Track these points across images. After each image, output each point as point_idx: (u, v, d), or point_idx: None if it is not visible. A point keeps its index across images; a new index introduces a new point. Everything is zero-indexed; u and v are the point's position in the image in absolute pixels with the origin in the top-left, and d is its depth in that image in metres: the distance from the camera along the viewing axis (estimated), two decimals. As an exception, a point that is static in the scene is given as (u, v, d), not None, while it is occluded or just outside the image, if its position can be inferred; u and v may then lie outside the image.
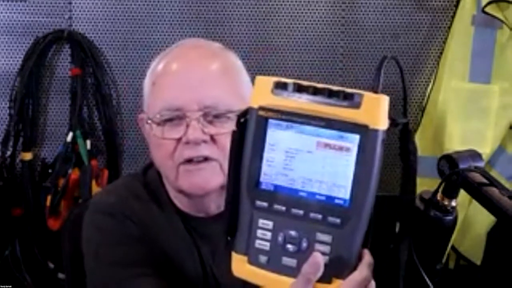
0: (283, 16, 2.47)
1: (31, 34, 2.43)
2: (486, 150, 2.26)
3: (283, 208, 0.89)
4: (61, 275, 2.41)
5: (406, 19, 2.48)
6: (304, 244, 0.88)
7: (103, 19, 2.45)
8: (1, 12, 2.43)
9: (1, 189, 2.41)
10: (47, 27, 2.44)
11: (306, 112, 0.87)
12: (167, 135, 1.23)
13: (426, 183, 2.30)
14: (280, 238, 0.89)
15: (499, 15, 2.24)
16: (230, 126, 1.20)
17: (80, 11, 2.44)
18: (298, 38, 2.47)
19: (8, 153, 2.42)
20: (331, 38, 2.48)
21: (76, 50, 2.42)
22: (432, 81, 2.42)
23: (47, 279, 2.44)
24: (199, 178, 1.23)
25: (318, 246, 0.87)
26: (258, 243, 0.90)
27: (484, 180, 1.01)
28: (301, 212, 0.88)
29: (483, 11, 2.22)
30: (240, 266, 0.92)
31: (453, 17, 2.39)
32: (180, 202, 1.31)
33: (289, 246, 0.88)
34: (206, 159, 1.22)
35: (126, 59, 2.47)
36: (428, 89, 2.43)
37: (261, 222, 0.90)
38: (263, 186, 0.90)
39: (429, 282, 0.99)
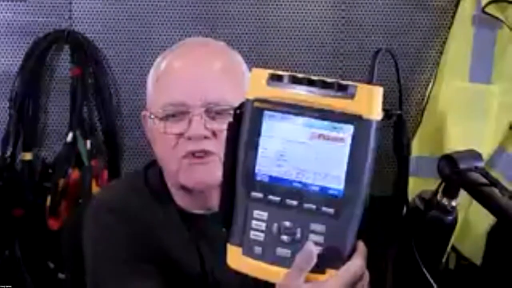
0: (283, 16, 2.47)
1: (31, 34, 2.43)
2: (486, 150, 2.25)
3: (278, 199, 0.89)
4: (61, 275, 2.41)
5: (406, 19, 2.48)
6: (298, 235, 0.88)
7: (103, 19, 2.45)
8: (1, 12, 2.43)
9: (1, 189, 2.41)
10: (47, 27, 2.44)
11: (300, 103, 0.88)
12: (170, 130, 1.25)
13: (426, 183, 2.31)
14: (274, 229, 0.89)
15: (499, 15, 2.24)
16: None
17: (80, 11, 2.44)
18: (298, 38, 2.47)
19: (8, 153, 2.42)
20: (331, 38, 2.48)
21: (76, 50, 2.42)
22: (432, 81, 2.42)
23: (47, 279, 2.44)
24: (200, 173, 1.24)
25: (312, 237, 0.88)
26: (253, 234, 0.91)
27: (484, 180, 1.01)
28: (295, 202, 0.89)
29: (483, 11, 2.22)
30: (235, 257, 0.93)
31: (453, 17, 2.39)
32: (181, 199, 1.32)
33: (284, 237, 0.89)
34: (208, 153, 1.23)
35: (126, 59, 2.47)
36: (428, 89, 2.43)
37: (256, 213, 0.90)
38: (258, 177, 0.90)
39: (433, 283, 0.99)
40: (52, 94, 2.48)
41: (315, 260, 0.87)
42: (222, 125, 1.22)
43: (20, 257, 2.42)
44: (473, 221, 2.32)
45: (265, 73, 0.91)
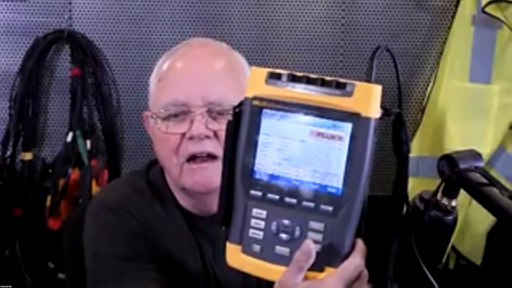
0: (283, 16, 2.47)
1: (31, 34, 2.43)
2: (486, 150, 2.25)
3: (277, 197, 0.89)
4: (61, 275, 2.41)
5: (406, 19, 2.48)
6: (297, 233, 0.88)
7: (103, 19, 2.45)
8: (1, 12, 2.43)
9: (1, 189, 2.41)
10: (47, 27, 2.44)
11: (299, 101, 0.88)
12: (172, 130, 1.25)
13: (426, 183, 2.31)
14: (273, 227, 0.89)
15: (499, 15, 2.24)
16: None
17: (80, 11, 2.44)
18: (298, 38, 2.47)
19: (8, 153, 2.42)
20: (331, 38, 2.48)
21: (76, 50, 2.42)
22: (432, 81, 2.42)
23: (47, 279, 2.44)
24: (202, 177, 1.24)
25: (311, 235, 0.88)
26: (252, 232, 0.91)
27: (484, 180, 1.01)
28: (294, 201, 0.89)
29: (483, 11, 2.22)
30: (234, 255, 0.92)
31: (453, 17, 2.39)
32: (182, 199, 1.32)
33: (282, 235, 0.89)
34: (210, 157, 1.23)
35: (126, 59, 2.47)
36: (428, 89, 2.43)
37: (255, 211, 0.90)
38: (257, 176, 0.91)
39: (434, 283, 0.99)
40: (52, 94, 2.48)
41: (314, 257, 0.87)
42: (223, 125, 1.22)
43: (20, 257, 2.42)
44: (473, 221, 2.33)
45: (263, 71, 0.91)
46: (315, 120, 0.87)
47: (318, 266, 0.88)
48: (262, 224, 0.90)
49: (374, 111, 0.86)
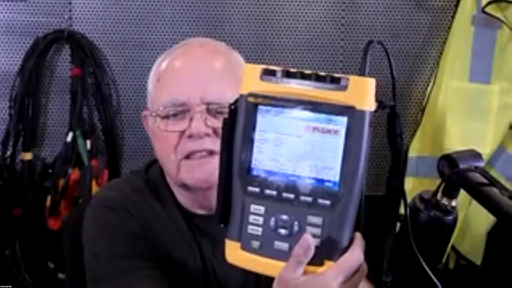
0: (283, 16, 2.47)
1: (31, 34, 2.43)
2: (486, 150, 2.25)
3: (274, 193, 0.90)
4: (61, 275, 2.41)
5: (406, 19, 2.48)
6: (296, 228, 0.89)
7: (103, 19, 2.45)
8: (1, 12, 2.43)
9: (1, 189, 2.41)
10: (47, 27, 2.44)
11: (294, 96, 0.89)
12: (171, 128, 1.25)
13: (426, 183, 2.31)
14: (272, 223, 0.90)
15: (499, 15, 2.24)
16: None
17: (80, 11, 2.44)
18: (298, 38, 2.47)
19: (8, 153, 2.42)
20: (331, 38, 2.48)
21: (76, 50, 2.42)
22: (432, 81, 2.42)
23: (47, 279, 2.44)
24: (202, 172, 1.24)
25: (309, 229, 0.88)
26: (251, 229, 0.91)
27: (484, 180, 1.01)
28: (292, 196, 0.89)
29: (483, 11, 2.22)
30: (233, 252, 0.93)
31: (453, 17, 2.39)
32: (182, 198, 1.32)
33: (281, 230, 0.90)
34: (210, 153, 1.24)
35: (126, 59, 2.47)
36: (428, 89, 2.43)
37: (253, 207, 0.91)
38: (255, 172, 0.91)
39: (438, 283, 0.99)
40: (52, 94, 2.48)
41: (313, 251, 0.87)
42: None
43: (20, 257, 2.42)
44: (473, 221, 2.33)
45: (258, 68, 0.91)
46: (311, 115, 0.88)
47: (317, 260, 0.88)
48: (260, 220, 0.90)
49: (368, 104, 0.87)
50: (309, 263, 0.88)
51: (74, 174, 2.36)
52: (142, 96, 2.44)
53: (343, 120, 0.86)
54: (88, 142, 2.41)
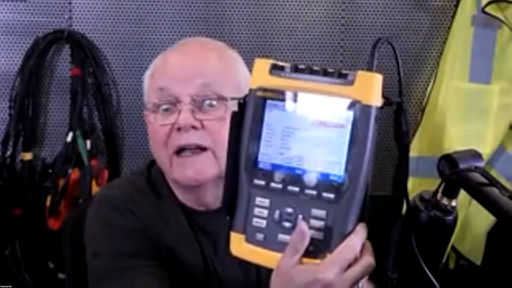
0: (283, 16, 2.47)
1: (31, 34, 2.43)
2: (486, 150, 2.25)
3: (280, 186, 0.90)
4: (61, 275, 2.41)
5: (406, 19, 2.48)
6: (299, 220, 0.89)
7: (103, 19, 2.45)
8: (1, 12, 2.43)
9: (1, 189, 2.41)
10: (47, 27, 2.44)
11: (302, 91, 0.90)
12: (161, 122, 1.25)
13: (426, 183, 2.31)
14: (276, 216, 0.91)
15: (499, 15, 2.24)
16: (221, 113, 1.23)
17: (80, 11, 2.44)
18: (298, 38, 2.47)
19: (8, 153, 2.42)
20: (331, 38, 2.48)
21: (76, 50, 2.42)
22: (432, 81, 2.42)
23: (47, 279, 2.44)
24: (192, 169, 1.24)
25: (313, 222, 0.89)
26: (255, 221, 0.92)
27: (484, 180, 1.01)
28: (297, 189, 0.90)
29: (483, 11, 2.22)
30: (238, 245, 0.93)
31: (453, 17, 2.39)
32: (180, 195, 1.32)
33: (285, 223, 0.90)
34: (199, 149, 1.24)
35: (126, 59, 2.47)
36: (428, 89, 2.43)
37: (258, 200, 0.92)
38: (261, 165, 0.92)
39: (436, 284, 0.99)
40: (52, 94, 2.48)
41: (308, 239, 0.88)
42: (210, 116, 1.24)
43: (20, 257, 2.42)
44: (473, 221, 2.33)
45: (267, 63, 0.92)
46: (317, 110, 0.89)
47: (320, 253, 0.88)
48: (265, 212, 0.91)
49: (375, 99, 0.87)
50: (312, 256, 0.89)
51: (74, 174, 2.36)
52: (142, 96, 2.43)
53: (350, 114, 0.87)
54: (88, 142, 2.41)
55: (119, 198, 1.30)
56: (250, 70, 1.31)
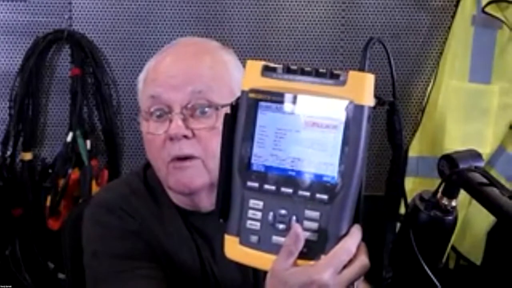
0: (282, 16, 2.47)
1: (31, 34, 2.43)
2: (486, 150, 2.25)
3: (273, 188, 0.90)
4: (61, 275, 2.41)
5: (406, 19, 2.48)
6: (293, 223, 0.89)
7: (103, 19, 2.45)
8: (1, 12, 2.43)
9: (1, 189, 2.41)
10: (47, 27, 2.44)
11: (294, 92, 0.90)
12: (154, 130, 1.26)
13: (426, 183, 2.31)
14: (270, 217, 0.90)
15: (499, 15, 2.24)
16: (212, 122, 1.22)
17: (80, 11, 2.44)
18: (298, 38, 2.47)
19: (8, 153, 2.42)
20: (331, 38, 2.48)
21: (76, 50, 2.42)
22: (432, 81, 2.42)
23: (47, 279, 2.44)
24: (184, 177, 1.24)
25: (306, 223, 0.89)
26: (249, 224, 0.92)
27: (484, 180, 1.01)
28: (290, 190, 0.90)
29: (483, 11, 2.22)
30: (232, 247, 0.93)
31: (453, 17, 2.39)
32: (175, 198, 1.32)
33: (279, 225, 0.90)
34: (190, 157, 1.23)
35: (126, 59, 2.47)
36: (428, 89, 2.43)
37: (252, 202, 0.91)
38: (254, 168, 0.92)
39: (437, 284, 0.99)
40: (52, 94, 2.48)
41: (302, 241, 0.88)
42: (202, 124, 1.23)
43: (20, 257, 2.42)
44: (473, 221, 2.33)
45: (259, 64, 0.93)
46: (310, 110, 0.89)
47: (314, 254, 0.89)
48: (259, 214, 0.91)
49: (367, 99, 0.87)
50: (307, 258, 0.88)
51: (74, 174, 2.36)
52: (142, 96, 2.44)
53: (342, 114, 0.87)
54: (88, 142, 2.40)
55: (115, 201, 1.30)
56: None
